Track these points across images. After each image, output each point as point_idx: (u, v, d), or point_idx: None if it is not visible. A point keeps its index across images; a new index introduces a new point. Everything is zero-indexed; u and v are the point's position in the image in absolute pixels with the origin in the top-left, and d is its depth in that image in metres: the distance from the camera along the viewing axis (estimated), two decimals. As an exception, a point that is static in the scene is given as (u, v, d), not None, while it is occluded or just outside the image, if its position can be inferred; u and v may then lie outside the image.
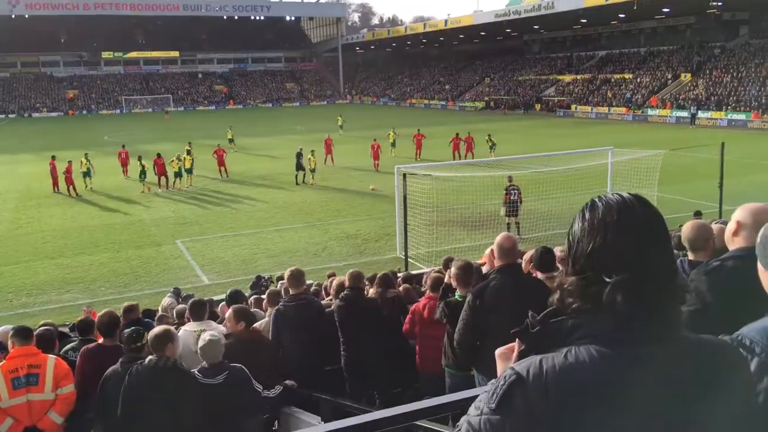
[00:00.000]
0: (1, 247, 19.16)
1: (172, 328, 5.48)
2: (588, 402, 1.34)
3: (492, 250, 4.84)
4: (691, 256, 3.62)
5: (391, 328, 6.32)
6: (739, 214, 2.83)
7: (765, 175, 26.83)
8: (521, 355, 1.49)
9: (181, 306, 8.65)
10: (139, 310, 7.04)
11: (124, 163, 30.88)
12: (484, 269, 5.74)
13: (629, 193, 1.51)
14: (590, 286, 1.42)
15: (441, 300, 5.58)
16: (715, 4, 52.82)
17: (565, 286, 1.48)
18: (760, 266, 1.97)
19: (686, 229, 3.67)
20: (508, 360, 1.65)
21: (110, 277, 16.07)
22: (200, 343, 5.05)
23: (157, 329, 5.09)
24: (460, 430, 1.50)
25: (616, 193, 1.52)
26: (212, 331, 5.47)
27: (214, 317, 8.49)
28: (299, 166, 28.63)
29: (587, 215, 1.51)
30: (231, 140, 40.47)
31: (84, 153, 29.70)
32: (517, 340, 1.57)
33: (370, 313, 6.29)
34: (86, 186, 28.35)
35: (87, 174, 28.45)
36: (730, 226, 2.88)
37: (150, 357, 4.83)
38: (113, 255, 18.03)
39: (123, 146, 32.42)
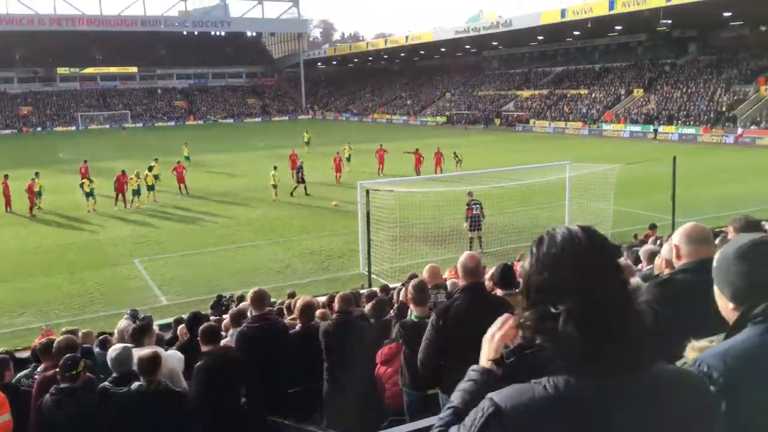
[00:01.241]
0: (-50, 269, 18.47)
1: (159, 349, 5.43)
2: None
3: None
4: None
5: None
6: (676, 238, 3.01)
7: (715, 187, 27.72)
8: (501, 379, 1.54)
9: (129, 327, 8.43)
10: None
11: (85, 177, 29.35)
12: (449, 284, 5.76)
13: (578, 225, 1.54)
14: (545, 320, 1.45)
15: (396, 319, 5.58)
16: (664, 22, 54.61)
17: (522, 320, 1.51)
18: (716, 289, 2.03)
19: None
20: (491, 343, 1.71)
21: (65, 300, 15.63)
22: (111, 354, 5.26)
23: (146, 353, 5.10)
24: None
25: (565, 226, 1.55)
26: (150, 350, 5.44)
27: (174, 339, 8.34)
28: (301, 180, 29.14)
29: (535, 250, 1.54)
30: (187, 157, 39.28)
31: (35, 172, 28.95)
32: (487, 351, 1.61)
33: (363, 339, 6.19)
34: (37, 205, 27.52)
35: (39, 194, 27.65)
36: (670, 252, 3.06)
37: (140, 383, 4.91)
38: (68, 276, 17.55)
39: (85, 161, 32.10)
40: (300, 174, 29.34)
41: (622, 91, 64.40)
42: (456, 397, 1.71)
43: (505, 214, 22.03)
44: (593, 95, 66.88)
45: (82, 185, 26.73)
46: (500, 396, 1.42)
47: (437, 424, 1.65)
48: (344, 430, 5.98)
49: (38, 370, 6.40)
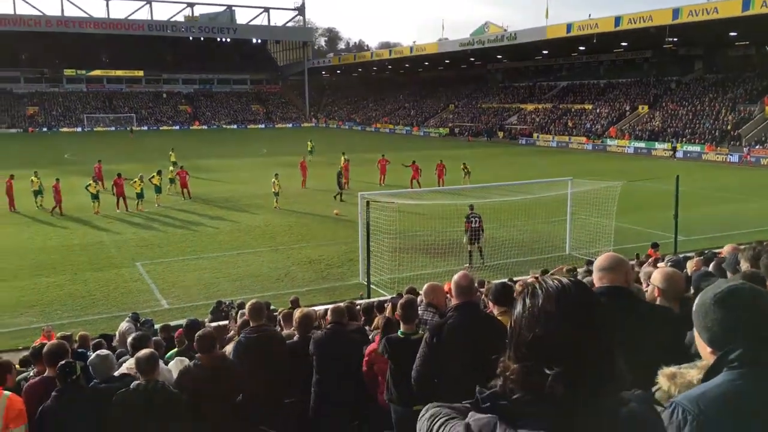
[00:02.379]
0: (-48, 268, 18.58)
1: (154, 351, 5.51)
2: None
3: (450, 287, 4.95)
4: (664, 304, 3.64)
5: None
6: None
7: (718, 206, 27.77)
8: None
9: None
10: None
11: (100, 177, 30.85)
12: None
13: (570, 280, 1.54)
14: (532, 375, 1.45)
15: (383, 335, 5.65)
16: (670, 39, 54.85)
17: (508, 374, 1.50)
18: (695, 333, 2.11)
19: (658, 277, 3.69)
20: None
21: (67, 300, 15.72)
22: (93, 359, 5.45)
23: (143, 353, 5.20)
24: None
25: (558, 279, 1.55)
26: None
27: (172, 344, 8.41)
28: (340, 185, 30.21)
29: (528, 302, 1.53)
30: (174, 163, 37.98)
31: (33, 171, 29.49)
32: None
33: (353, 350, 6.29)
34: (37, 204, 28.11)
35: (39, 192, 28.30)
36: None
37: (138, 382, 5.02)
38: (71, 277, 17.65)
39: (99, 161, 33.68)
40: (339, 180, 30.44)
41: (627, 107, 64.57)
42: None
43: (506, 228, 22.09)
44: (598, 110, 67.08)
45: (88, 187, 26.89)
46: (477, 424, 1.50)
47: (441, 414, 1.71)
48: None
49: (30, 374, 6.47)
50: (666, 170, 32.92)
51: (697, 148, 51.38)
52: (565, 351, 1.43)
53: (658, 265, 8.48)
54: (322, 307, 10.89)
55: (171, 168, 33.94)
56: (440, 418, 1.66)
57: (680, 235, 19.12)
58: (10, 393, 5.13)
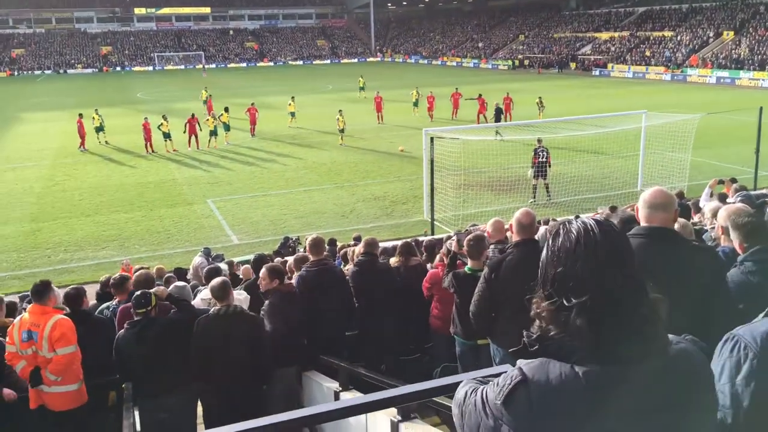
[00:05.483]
0: (39, 204, 19.73)
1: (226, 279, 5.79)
2: (569, 416, 1.45)
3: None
4: (726, 242, 3.45)
5: (411, 295, 6.44)
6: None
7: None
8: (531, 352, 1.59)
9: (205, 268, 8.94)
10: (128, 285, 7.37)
11: (149, 138, 27.62)
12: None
13: (594, 219, 1.56)
14: (560, 312, 1.50)
15: (449, 269, 5.68)
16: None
17: (540, 311, 1.55)
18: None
19: (723, 215, 3.48)
20: None
21: (144, 235, 16.50)
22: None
23: (216, 281, 5.49)
24: (467, 400, 1.65)
25: (581, 220, 1.57)
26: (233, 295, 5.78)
27: (237, 280, 8.76)
28: (498, 119, 29.39)
29: (551, 243, 1.58)
30: (205, 102, 37.69)
31: (94, 109, 30.99)
32: None
33: (385, 279, 6.42)
34: (99, 141, 29.60)
35: (100, 129, 29.80)
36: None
37: (216, 308, 5.33)
38: (147, 213, 18.47)
39: (145, 118, 28.68)
40: (497, 115, 29.59)
41: (711, 34, 60.51)
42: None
43: (575, 163, 21.54)
44: (678, 38, 63.16)
45: (160, 126, 27.63)
46: (529, 367, 1.52)
47: (470, 383, 1.75)
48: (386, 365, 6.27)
49: (114, 303, 6.89)
50: (752, 101, 30.90)
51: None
52: (585, 285, 1.47)
53: (727, 201, 8.09)
54: (389, 243, 11.03)
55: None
56: (469, 390, 1.71)
57: (761, 170, 18.12)
58: (60, 317, 5.50)
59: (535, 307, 1.58)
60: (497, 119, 29.16)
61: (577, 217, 1.64)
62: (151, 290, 5.74)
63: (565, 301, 1.48)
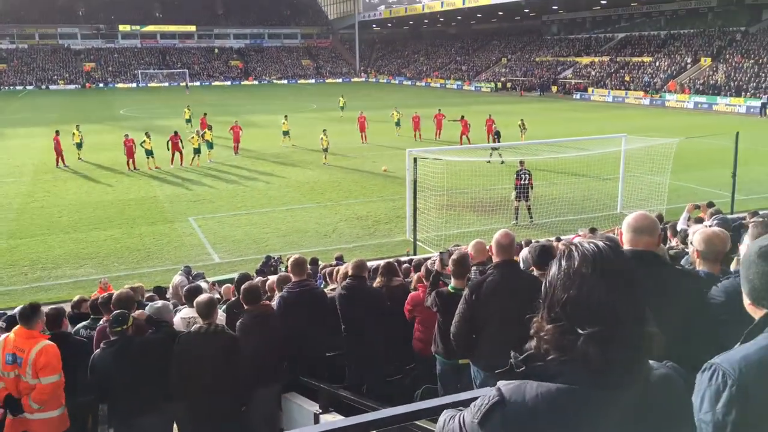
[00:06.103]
0: (18, 220, 19.47)
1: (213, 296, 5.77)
2: None
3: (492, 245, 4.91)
4: (702, 266, 3.47)
5: (394, 317, 6.43)
6: (623, 225, 3.10)
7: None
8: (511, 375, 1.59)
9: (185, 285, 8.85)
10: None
11: (131, 155, 27.40)
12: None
13: (605, 243, 1.54)
14: (565, 336, 1.47)
15: (431, 288, 5.69)
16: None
17: (542, 334, 1.52)
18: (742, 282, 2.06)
19: (698, 238, 3.50)
20: None
21: (123, 253, 16.32)
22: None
23: (203, 297, 5.47)
24: (445, 427, 1.64)
25: (593, 242, 1.55)
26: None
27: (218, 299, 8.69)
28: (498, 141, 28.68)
29: (563, 264, 1.53)
30: (188, 120, 38.03)
31: (76, 125, 30.82)
32: None
33: (373, 302, 6.40)
34: (78, 157, 29.44)
35: (79, 145, 29.64)
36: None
37: (199, 325, 5.30)
38: (127, 231, 18.28)
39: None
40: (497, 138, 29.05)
41: (689, 60, 61.72)
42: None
43: (556, 185, 21.72)
44: (657, 63, 64.34)
45: (142, 143, 27.47)
46: (507, 388, 1.51)
47: (448, 412, 1.76)
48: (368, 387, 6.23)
49: (99, 322, 6.79)
50: (728, 126, 31.47)
51: (759, 103, 48.68)
52: (599, 313, 1.44)
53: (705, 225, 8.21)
54: (372, 263, 11.00)
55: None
56: (448, 417, 1.71)
57: (738, 194, 18.42)
58: (47, 344, 5.29)
59: (535, 327, 1.55)
60: (498, 141, 28.76)
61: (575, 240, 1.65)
62: (134, 313, 5.68)
63: (579, 329, 1.45)
